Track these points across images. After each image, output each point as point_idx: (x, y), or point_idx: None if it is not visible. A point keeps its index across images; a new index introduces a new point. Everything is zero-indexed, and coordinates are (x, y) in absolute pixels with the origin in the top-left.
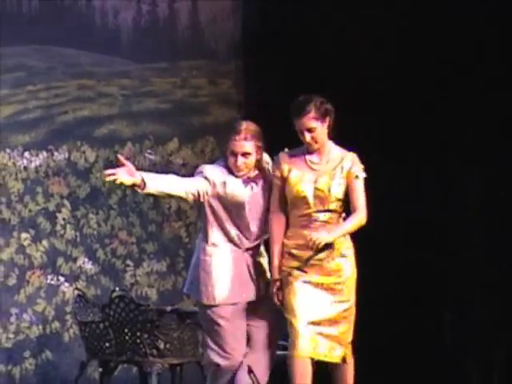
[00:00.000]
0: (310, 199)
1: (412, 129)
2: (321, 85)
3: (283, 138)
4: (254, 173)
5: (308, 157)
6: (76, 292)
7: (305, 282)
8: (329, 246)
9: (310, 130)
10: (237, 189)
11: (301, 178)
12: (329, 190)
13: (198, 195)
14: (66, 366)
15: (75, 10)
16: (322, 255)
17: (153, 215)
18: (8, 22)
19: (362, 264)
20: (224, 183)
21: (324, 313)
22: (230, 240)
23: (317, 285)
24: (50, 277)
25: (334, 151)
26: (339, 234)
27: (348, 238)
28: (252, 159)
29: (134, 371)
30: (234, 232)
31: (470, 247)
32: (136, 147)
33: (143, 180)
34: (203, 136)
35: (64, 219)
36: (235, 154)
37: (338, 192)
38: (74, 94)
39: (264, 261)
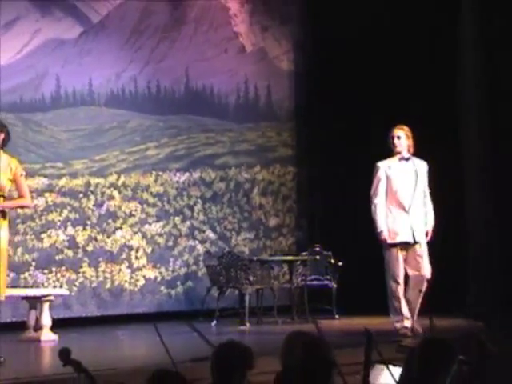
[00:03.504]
0: None
1: None
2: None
3: (319, 168)
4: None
5: None
6: (205, 249)
7: None
8: None
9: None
10: None
11: None
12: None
13: None
14: (199, 289)
15: (202, 94)
16: None
17: (246, 207)
18: (164, 103)
19: None
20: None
21: None
22: None
23: None
24: (190, 241)
25: None
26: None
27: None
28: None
29: (236, 293)
30: None
31: None
32: (237, 170)
33: None
34: (274, 164)
35: (198, 209)
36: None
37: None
38: (202, 141)
39: None
